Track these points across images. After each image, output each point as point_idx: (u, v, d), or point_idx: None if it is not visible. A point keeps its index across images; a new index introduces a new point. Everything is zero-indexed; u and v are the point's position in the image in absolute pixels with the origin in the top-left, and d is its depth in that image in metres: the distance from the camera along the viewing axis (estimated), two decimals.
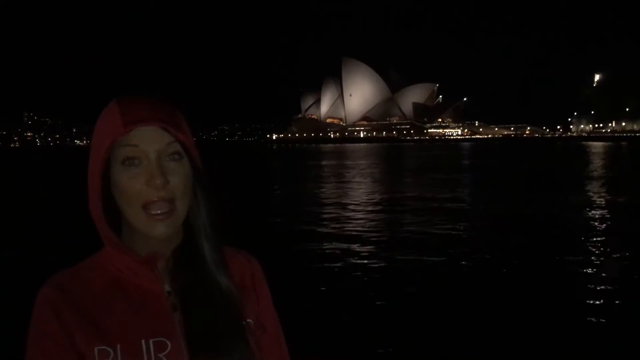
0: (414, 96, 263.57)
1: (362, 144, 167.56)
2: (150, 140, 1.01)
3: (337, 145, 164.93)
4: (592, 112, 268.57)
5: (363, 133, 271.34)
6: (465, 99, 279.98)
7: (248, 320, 1.10)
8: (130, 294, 1.05)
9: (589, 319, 6.46)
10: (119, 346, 0.99)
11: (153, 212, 1.01)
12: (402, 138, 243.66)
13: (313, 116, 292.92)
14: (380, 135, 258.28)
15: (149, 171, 1.01)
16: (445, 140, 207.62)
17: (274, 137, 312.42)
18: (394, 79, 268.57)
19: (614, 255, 9.84)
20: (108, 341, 0.99)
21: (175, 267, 1.09)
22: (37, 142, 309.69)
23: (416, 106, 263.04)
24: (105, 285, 1.05)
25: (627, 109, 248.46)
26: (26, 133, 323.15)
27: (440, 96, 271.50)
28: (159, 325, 1.03)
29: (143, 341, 1.00)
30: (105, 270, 1.07)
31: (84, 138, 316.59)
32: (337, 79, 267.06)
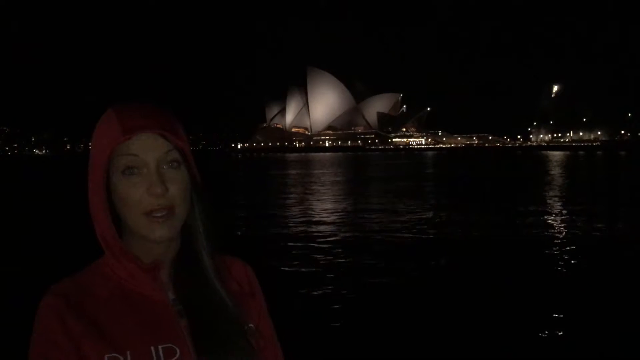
0: (378, 106, 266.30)
1: (327, 153, 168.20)
2: (149, 149, 1.02)
3: (303, 154, 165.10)
4: (551, 122, 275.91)
5: (328, 142, 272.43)
6: (428, 108, 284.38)
7: (250, 325, 1.12)
8: (135, 301, 1.05)
9: (548, 327, 6.52)
10: (129, 353, 0.99)
11: (153, 217, 1.02)
12: (367, 147, 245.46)
13: (278, 125, 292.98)
14: (345, 145, 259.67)
15: (148, 180, 1.02)
16: (409, 150, 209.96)
17: (239, 146, 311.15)
18: (359, 88, 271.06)
19: (568, 257, 10.01)
20: (118, 348, 0.99)
21: (176, 275, 1.10)
22: None
23: (380, 116, 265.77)
24: (109, 293, 1.05)
25: (584, 119, 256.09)
26: None
27: (405, 106, 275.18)
28: (166, 331, 1.03)
29: (152, 348, 1.00)
30: (108, 277, 1.07)
31: (43, 147, 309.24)
32: (302, 88, 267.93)
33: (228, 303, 1.10)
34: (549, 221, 15.54)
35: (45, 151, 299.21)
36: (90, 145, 1.08)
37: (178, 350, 1.02)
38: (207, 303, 1.08)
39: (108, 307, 1.03)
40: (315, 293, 8.11)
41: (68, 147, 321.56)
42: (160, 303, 1.06)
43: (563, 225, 14.87)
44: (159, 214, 1.02)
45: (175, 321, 1.06)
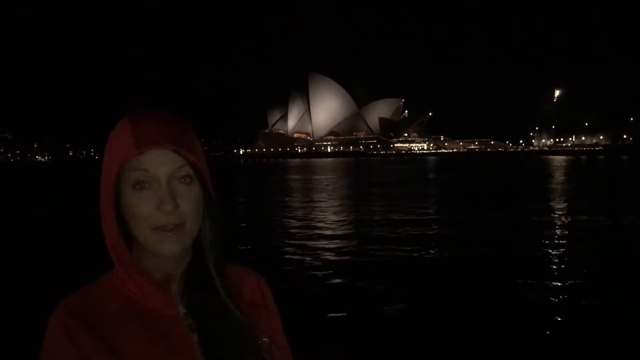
0: (380, 111, 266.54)
1: (329, 159, 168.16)
2: (161, 164, 1.00)
3: (305, 160, 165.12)
4: (553, 127, 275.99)
5: (330, 148, 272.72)
6: (430, 114, 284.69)
7: (263, 339, 1.11)
8: (145, 316, 1.04)
9: (553, 327, 6.54)
10: None
11: (162, 231, 1.00)
12: (369, 152, 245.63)
13: (280, 131, 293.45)
14: (347, 150, 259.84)
15: (159, 195, 1.00)
16: (411, 155, 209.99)
17: (241, 152, 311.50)
18: (361, 94, 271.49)
19: (572, 263, 10.02)
20: None
21: (187, 289, 1.09)
22: None
23: (382, 121, 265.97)
24: (120, 308, 1.04)
25: (586, 124, 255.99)
26: None
27: (406, 111, 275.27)
28: (177, 346, 1.02)
29: None
30: (118, 292, 1.06)
31: (45, 154, 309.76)
32: (303, 93, 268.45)
33: (239, 317, 1.09)
34: (562, 233, 15.52)
35: (48, 158, 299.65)
36: (104, 155, 1.05)
37: None
38: (218, 317, 1.07)
39: (118, 322, 1.02)
40: (319, 296, 8.13)
41: (70, 153, 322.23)
42: (170, 317, 1.05)
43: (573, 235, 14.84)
44: (168, 229, 1.00)
45: (187, 336, 1.04)
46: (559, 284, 8.71)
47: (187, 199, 1.02)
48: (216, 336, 1.05)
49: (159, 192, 1.00)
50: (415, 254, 11.31)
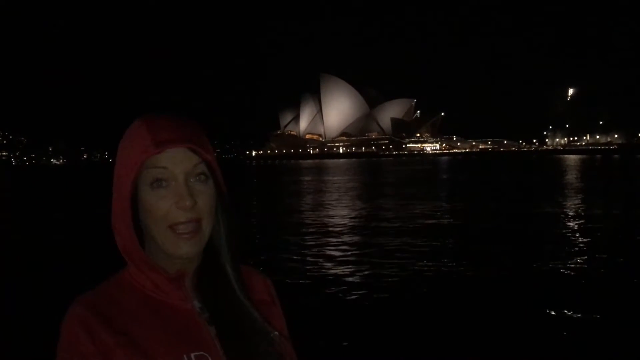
0: (392, 112, 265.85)
1: (341, 160, 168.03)
2: (178, 162, 1.03)
3: (317, 161, 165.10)
4: (567, 126, 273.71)
5: (342, 149, 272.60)
6: (442, 113, 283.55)
7: (275, 332, 1.13)
8: (162, 311, 1.06)
9: (567, 326, 6.61)
10: None
11: (179, 232, 1.02)
12: (381, 153, 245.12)
13: (292, 132, 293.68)
14: (359, 151, 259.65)
15: (177, 192, 1.02)
16: (423, 155, 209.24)
17: (253, 154, 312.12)
18: (372, 94, 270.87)
19: (591, 262, 10.05)
20: (150, 358, 0.99)
21: (200, 284, 1.11)
22: (12, 162, 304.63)
23: (394, 121, 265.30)
24: (136, 304, 1.05)
25: (601, 122, 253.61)
26: (1, 152, 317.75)
27: (418, 111, 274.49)
28: (196, 339, 1.04)
29: (185, 356, 1.01)
30: (133, 288, 1.07)
31: (60, 157, 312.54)
32: (315, 95, 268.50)
33: (253, 311, 1.11)
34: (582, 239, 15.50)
35: (62, 161, 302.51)
36: (117, 155, 1.08)
37: (210, 358, 1.03)
38: (233, 311, 1.10)
39: (136, 317, 1.03)
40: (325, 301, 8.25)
41: (85, 156, 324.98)
42: (187, 312, 1.07)
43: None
44: (185, 229, 1.02)
45: (204, 329, 1.06)
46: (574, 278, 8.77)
47: (204, 196, 1.04)
48: (233, 329, 1.08)
49: (177, 189, 1.02)
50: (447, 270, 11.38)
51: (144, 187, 1.03)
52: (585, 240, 12.93)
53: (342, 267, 10.36)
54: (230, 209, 1.13)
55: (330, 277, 9.52)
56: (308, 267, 10.40)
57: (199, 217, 1.03)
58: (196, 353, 1.02)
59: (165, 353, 1.00)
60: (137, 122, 1.06)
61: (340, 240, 13.72)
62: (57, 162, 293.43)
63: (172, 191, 1.02)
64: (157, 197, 1.02)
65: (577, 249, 11.81)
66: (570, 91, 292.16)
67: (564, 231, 14.43)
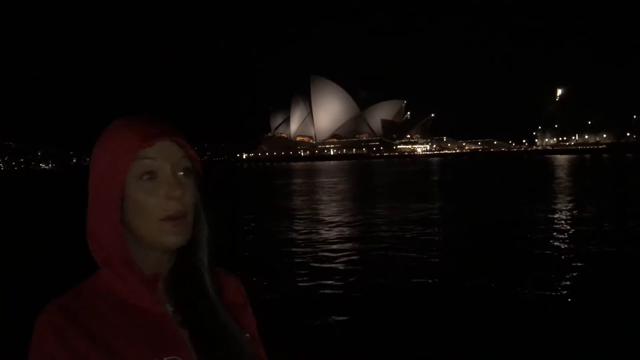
0: (382, 113, 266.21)
1: (332, 162, 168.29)
2: (166, 154, 1.04)
3: (308, 163, 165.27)
4: (556, 126, 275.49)
5: (333, 150, 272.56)
6: (433, 115, 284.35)
7: (246, 334, 1.14)
8: (135, 315, 1.05)
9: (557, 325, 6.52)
10: None
11: (169, 224, 1.02)
12: (372, 155, 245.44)
13: (283, 135, 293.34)
14: (350, 153, 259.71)
15: (167, 183, 1.03)
16: (414, 156, 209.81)
17: (244, 157, 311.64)
18: (362, 96, 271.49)
19: (580, 260, 10.00)
20: None
21: (174, 286, 1.11)
22: (0, 167, 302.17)
23: (385, 123, 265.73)
24: (110, 307, 1.04)
25: (590, 122, 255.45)
26: None
27: (409, 113, 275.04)
28: (169, 343, 1.04)
29: None
30: (107, 292, 1.06)
31: (49, 161, 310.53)
32: (305, 97, 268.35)
33: (226, 315, 1.11)
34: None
35: (52, 165, 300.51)
36: (96, 157, 1.06)
37: None
38: (206, 314, 1.10)
39: (109, 321, 1.02)
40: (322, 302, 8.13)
41: (74, 160, 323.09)
42: (160, 315, 1.07)
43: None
44: (175, 223, 1.03)
45: (177, 333, 1.06)
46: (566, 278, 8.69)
47: (188, 189, 1.06)
48: (205, 332, 1.07)
49: (165, 180, 1.03)
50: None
51: (133, 181, 1.03)
52: (583, 238, 12.89)
53: (334, 272, 10.24)
54: (210, 207, 1.14)
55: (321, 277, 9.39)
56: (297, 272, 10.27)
57: (187, 211, 1.05)
58: (168, 357, 1.02)
59: (139, 357, 0.99)
60: (120, 121, 1.06)
61: (333, 248, 13.60)
62: (47, 167, 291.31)
63: (161, 183, 1.03)
64: (147, 190, 1.02)
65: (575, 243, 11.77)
66: (559, 91, 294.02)
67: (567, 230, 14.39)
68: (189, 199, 1.05)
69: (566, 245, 12.26)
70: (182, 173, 1.06)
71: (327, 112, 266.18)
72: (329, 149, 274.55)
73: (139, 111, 1.10)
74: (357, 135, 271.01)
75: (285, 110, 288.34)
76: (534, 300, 7.86)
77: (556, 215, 17.61)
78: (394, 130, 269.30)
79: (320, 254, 12.07)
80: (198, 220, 1.11)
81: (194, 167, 1.09)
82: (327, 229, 16.36)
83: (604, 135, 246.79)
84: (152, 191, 1.02)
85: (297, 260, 11.44)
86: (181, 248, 1.09)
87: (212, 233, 1.14)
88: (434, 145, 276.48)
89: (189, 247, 1.11)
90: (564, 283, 8.81)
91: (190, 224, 1.07)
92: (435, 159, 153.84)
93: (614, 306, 7.41)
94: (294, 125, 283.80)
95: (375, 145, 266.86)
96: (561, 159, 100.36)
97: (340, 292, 8.68)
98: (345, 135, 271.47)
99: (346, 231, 15.75)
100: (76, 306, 1.02)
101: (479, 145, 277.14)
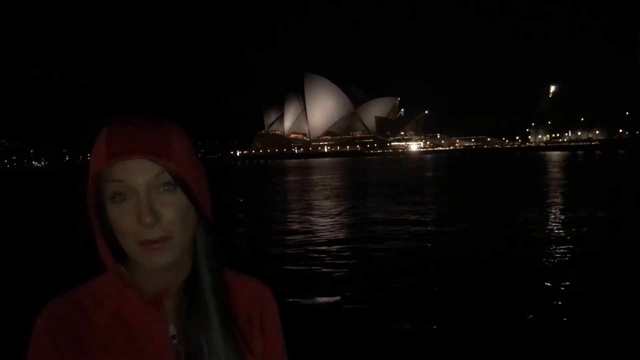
0: (376, 110, 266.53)
1: (326, 159, 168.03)
2: (137, 173, 0.94)
3: (302, 160, 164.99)
4: (549, 123, 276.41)
5: (327, 148, 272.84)
6: (426, 112, 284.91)
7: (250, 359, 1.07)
8: (132, 333, 1.00)
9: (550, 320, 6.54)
10: None
11: (148, 248, 0.95)
12: (366, 152, 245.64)
13: (277, 132, 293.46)
14: (344, 150, 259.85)
15: (137, 208, 0.94)
16: (408, 153, 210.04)
17: (237, 154, 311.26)
18: (356, 93, 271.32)
19: (570, 254, 10.03)
20: None
21: (181, 306, 1.04)
22: None
23: (379, 120, 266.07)
24: (107, 319, 1.00)
25: (582, 119, 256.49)
26: None
27: (402, 110, 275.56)
28: None
29: None
30: (107, 300, 1.02)
31: (42, 159, 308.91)
32: (299, 94, 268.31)
33: (230, 342, 1.03)
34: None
35: (44, 163, 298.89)
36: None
37: None
38: (207, 342, 1.02)
39: (103, 335, 0.98)
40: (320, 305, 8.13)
41: (67, 158, 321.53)
42: (158, 337, 1.01)
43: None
44: (154, 245, 0.95)
45: (174, 357, 1.01)
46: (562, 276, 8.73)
47: (172, 206, 0.96)
48: (201, 358, 1.01)
49: (138, 204, 0.94)
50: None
51: (107, 201, 0.96)
52: (582, 235, 12.95)
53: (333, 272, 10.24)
54: (205, 215, 1.02)
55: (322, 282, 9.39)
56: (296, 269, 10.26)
57: (168, 235, 0.95)
58: None
59: None
60: (103, 130, 0.97)
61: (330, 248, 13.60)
62: (39, 165, 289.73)
63: (134, 206, 0.94)
64: (119, 212, 0.95)
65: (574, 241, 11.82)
66: (552, 88, 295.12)
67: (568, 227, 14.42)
68: (173, 216, 0.96)
69: (561, 243, 12.29)
70: (163, 190, 0.96)
71: (321, 110, 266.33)
72: (323, 146, 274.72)
73: (131, 111, 1.01)
74: (351, 133, 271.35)
75: (279, 107, 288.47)
76: (534, 302, 7.89)
77: (551, 214, 17.66)
78: (388, 127, 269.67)
79: (312, 254, 12.06)
80: (198, 234, 1.04)
81: (179, 180, 0.96)
82: (321, 225, 16.34)
83: (597, 132, 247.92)
84: (124, 213, 0.94)
85: (288, 260, 11.43)
86: (192, 261, 1.05)
87: (208, 248, 1.05)
88: (428, 143, 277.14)
89: (196, 262, 1.05)
90: (559, 280, 8.85)
91: (182, 240, 0.98)
92: (429, 156, 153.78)
93: (613, 306, 7.43)
94: (288, 123, 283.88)
95: (369, 142, 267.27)
96: (554, 155, 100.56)
97: (336, 291, 8.68)
98: (339, 132, 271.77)
99: (339, 228, 15.73)
100: (73, 312, 0.99)
101: (472, 142, 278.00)
